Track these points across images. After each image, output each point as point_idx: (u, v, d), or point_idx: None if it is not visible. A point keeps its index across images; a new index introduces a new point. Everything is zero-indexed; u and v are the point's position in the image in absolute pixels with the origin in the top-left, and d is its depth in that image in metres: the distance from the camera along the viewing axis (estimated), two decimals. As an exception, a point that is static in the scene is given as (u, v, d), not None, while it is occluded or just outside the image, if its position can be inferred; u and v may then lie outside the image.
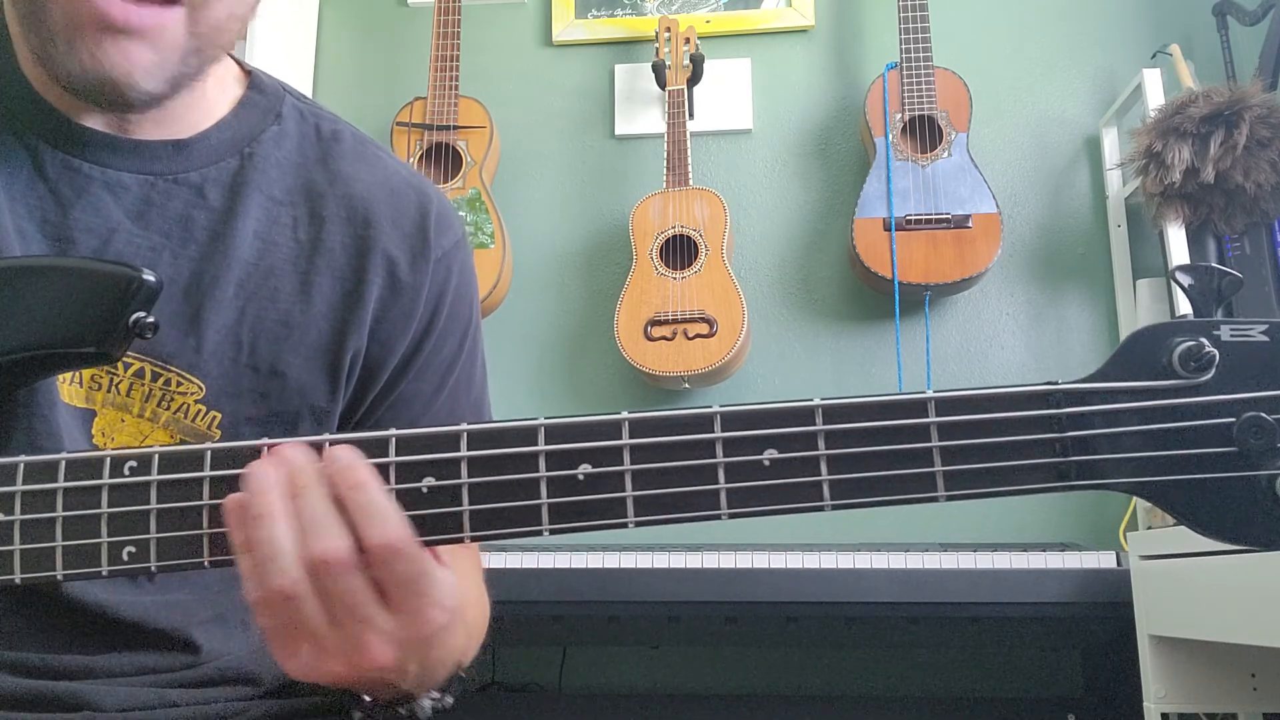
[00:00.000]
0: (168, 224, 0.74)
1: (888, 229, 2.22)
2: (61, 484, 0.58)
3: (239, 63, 0.83)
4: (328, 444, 0.57)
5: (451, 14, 2.41)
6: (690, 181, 2.31)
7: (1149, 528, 1.94)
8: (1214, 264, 0.51)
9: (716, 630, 1.95)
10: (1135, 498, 2.08)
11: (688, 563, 1.79)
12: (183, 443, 0.74)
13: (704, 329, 2.20)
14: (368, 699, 0.67)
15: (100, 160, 0.73)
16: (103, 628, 0.72)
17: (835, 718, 2.18)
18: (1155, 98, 2.13)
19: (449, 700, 0.69)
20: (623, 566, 1.80)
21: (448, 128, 2.37)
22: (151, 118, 0.74)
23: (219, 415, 0.75)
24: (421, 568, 0.56)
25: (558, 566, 1.80)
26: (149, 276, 0.63)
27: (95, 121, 0.73)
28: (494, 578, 0.62)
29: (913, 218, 2.22)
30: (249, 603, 0.57)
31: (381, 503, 0.55)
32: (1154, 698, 1.59)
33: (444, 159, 2.38)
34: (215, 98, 0.79)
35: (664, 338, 2.20)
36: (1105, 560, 1.77)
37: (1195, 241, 2.05)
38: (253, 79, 0.82)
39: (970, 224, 2.20)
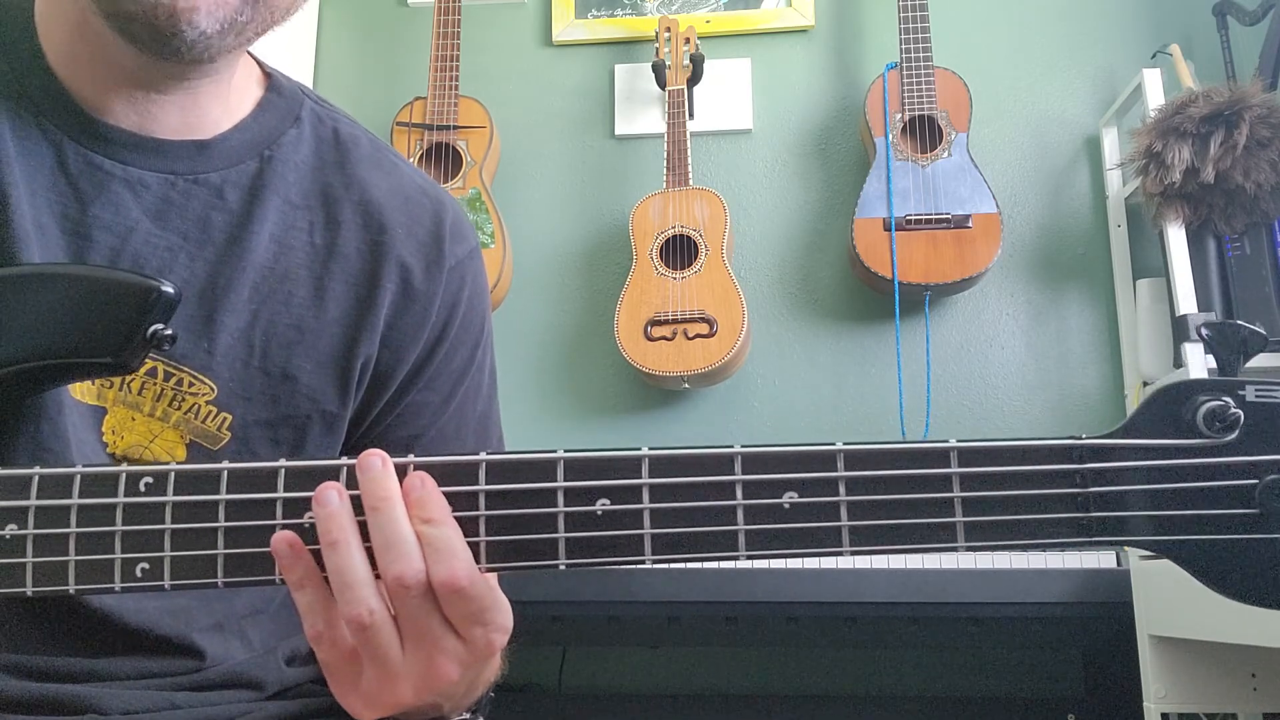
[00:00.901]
0: (186, 224, 0.74)
1: (888, 229, 2.22)
2: (76, 500, 0.58)
3: (259, 63, 0.83)
4: (345, 468, 0.57)
5: (451, 14, 2.41)
6: (690, 181, 2.31)
7: (1149, 528, 1.94)
8: (1240, 321, 0.52)
9: (716, 630, 1.95)
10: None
11: (687, 563, 1.79)
12: (192, 444, 0.74)
13: (704, 329, 2.20)
14: None
15: (122, 158, 0.73)
16: (107, 633, 0.72)
17: (835, 718, 2.18)
18: (1155, 98, 2.13)
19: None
20: (622, 567, 1.79)
21: (448, 128, 2.37)
22: (178, 104, 0.74)
23: (229, 417, 0.75)
24: (484, 603, 0.56)
25: (558, 567, 1.80)
26: (168, 288, 0.63)
27: (120, 118, 0.73)
28: (493, 577, 0.63)
29: (913, 218, 2.22)
30: (309, 639, 0.57)
31: (454, 541, 0.55)
32: (1154, 698, 1.59)
33: (444, 159, 2.38)
34: (238, 98, 0.79)
35: (664, 338, 2.20)
36: (1105, 560, 1.77)
37: (1195, 242, 2.05)
38: (272, 81, 0.82)
39: (970, 224, 2.20)
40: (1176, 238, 2.03)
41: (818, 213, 2.46)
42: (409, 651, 0.56)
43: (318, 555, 0.56)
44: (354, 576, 0.55)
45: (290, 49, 2.48)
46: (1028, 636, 1.99)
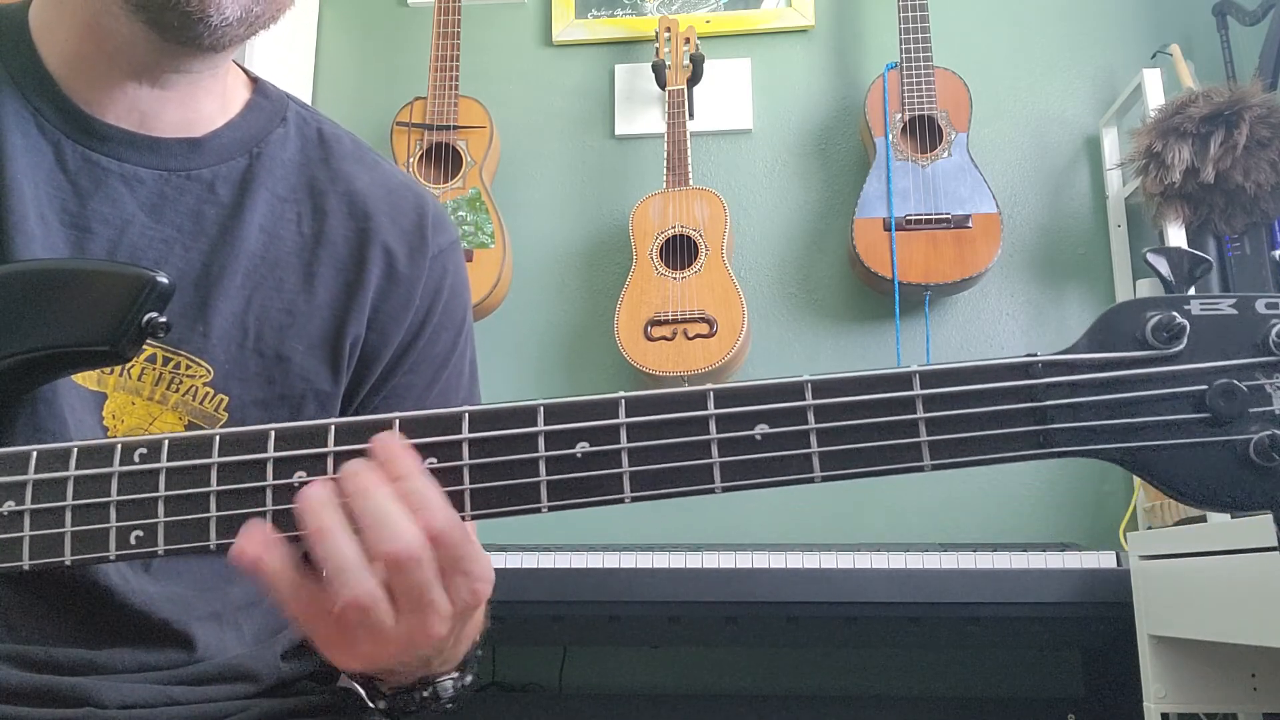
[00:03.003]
0: (180, 218, 0.78)
1: (888, 229, 2.22)
2: (73, 472, 0.59)
3: (245, 71, 0.87)
4: (332, 428, 0.58)
5: (451, 14, 2.41)
6: (690, 181, 2.31)
7: (1149, 528, 1.94)
8: (1183, 247, 0.54)
9: (716, 630, 1.95)
10: (1135, 494, 2.08)
11: (688, 563, 1.79)
12: (190, 424, 0.77)
13: (704, 329, 2.20)
14: (388, 690, 0.69)
15: (118, 155, 0.77)
16: (108, 614, 0.73)
17: (835, 718, 2.18)
18: (1155, 98, 2.13)
19: (468, 678, 0.72)
20: (623, 566, 1.79)
21: (448, 128, 2.37)
22: (178, 99, 0.78)
23: (226, 398, 0.77)
24: (466, 549, 0.57)
25: (558, 566, 1.80)
26: (162, 279, 0.65)
27: (120, 117, 0.77)
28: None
29: (913, 218, 2.22)
30: (298, 618, 0.58)
31: (427, 491, 0.56)
32: (1154, 698, 1.59)
33: (444, 159, 2.38)
34: (229, 99, 0.83)
35: (664, 338, 2.20)
36: (1105, 560, 1.76)
37: (1195, 241, 2.05)
38: (258, 85, 0.87)
39: (970, 224, 2.20)
40: (1176, 238, 2.03)
41: (818, 213, 2.46)
42: (403, 617, 0.57)
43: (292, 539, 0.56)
44: (346, 561, 0.55)
45: (290, 49, 2.48)
46: (1027, 636, 1.99)
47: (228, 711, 0.76)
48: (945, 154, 2.26)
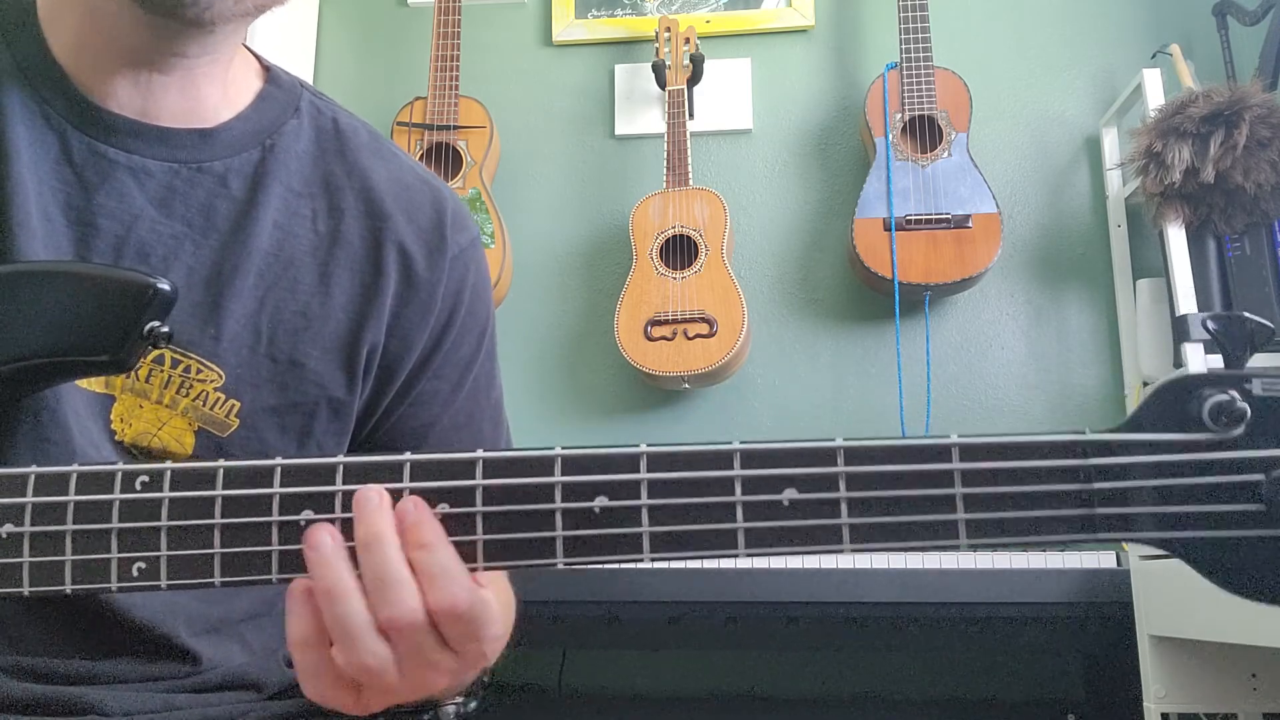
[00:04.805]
0: (190, 213, 0.74)
1: (888, 229, 2.22)
2: (73, 497, 0.57)
3: (258, 58, 0.84)
4: (341, 466, 0.56)
5: (451, 14, 2.41)
6: (690, 181, 2.31)
7: (1149, 528, 1.94)
8: (1246, 313, 0.51)
9: (716, 631, 1.95)
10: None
11: (687, 563, 1.79)
12: (200, 431, 0.74)
13: (704, 329, 2.20)
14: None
15: (126, 146, 0.73)
16: (109, 629, 0.72)
17: (835, 718, 2.18)
18: (1155, 98, 2.13)
19: (472, 705, 0.71)
20: (623, 567, 1.79)
21: (448, 128, 2.37)
22: (178, 85, 0.74)
23: (238, 404, 0.74)
24: (480, 620, 0.55)
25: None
26: (164, 285, 0.63)
27: (124, 104, 0.74)
28: (493, 578, 0.64)
29: (913, 218, 2.22)
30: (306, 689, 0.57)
31: (449, 565, 0.54)
32: (1154, 698, 1.59)
33: (444, 159, 2.38)
34: (237, 89, 0.79)
35: (664, 338, 2.20)
36: (1105, 560, 1.77)
37: (1195, 242, 2.05)
38: (270, 74, 0.83)
39: (970, 224, 2.20)
40: (1176, 238, 2.03)
41: (818, 213, 2.46)
42: (405, 674, 0.56)
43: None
44: (356, 626, 0.54)
45: (290, 49, 2.48)
46: (1028, 637, 1.99)
47: (231, 715, 0.76)
48: (945, 154, 2.26)
